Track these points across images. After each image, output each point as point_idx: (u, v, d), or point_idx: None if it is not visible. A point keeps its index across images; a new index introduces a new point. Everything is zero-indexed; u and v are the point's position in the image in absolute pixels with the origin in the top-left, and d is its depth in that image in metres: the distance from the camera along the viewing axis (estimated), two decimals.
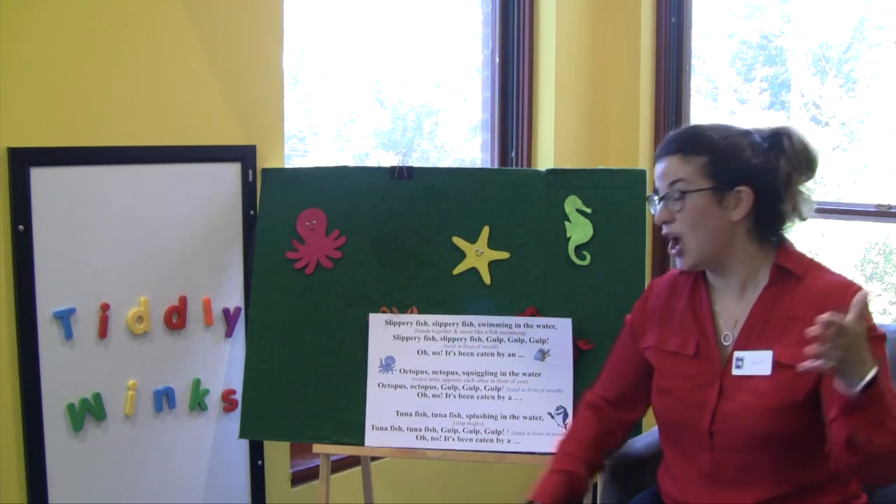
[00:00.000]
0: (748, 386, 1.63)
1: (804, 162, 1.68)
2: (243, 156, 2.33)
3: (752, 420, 1.60)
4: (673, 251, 1.73)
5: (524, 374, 2.17)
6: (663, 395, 1.76)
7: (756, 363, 1.63)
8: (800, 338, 1.49)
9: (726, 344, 1.69)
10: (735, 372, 1.65)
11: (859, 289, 1.57)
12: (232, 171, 2.33)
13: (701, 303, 1.74)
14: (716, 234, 1.66)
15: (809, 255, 1.70)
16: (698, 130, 1.71)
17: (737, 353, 1.66)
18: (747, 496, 1.62)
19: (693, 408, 1.68)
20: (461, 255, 2.25)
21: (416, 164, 2.30)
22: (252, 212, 2.35)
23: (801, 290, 1.63)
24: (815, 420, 1.58)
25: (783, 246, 1.70)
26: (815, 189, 1.73)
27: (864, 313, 1.41)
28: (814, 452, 1.59)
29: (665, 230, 1.72)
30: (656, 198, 1.73)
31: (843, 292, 1.57)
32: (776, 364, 1.60)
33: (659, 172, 1.71)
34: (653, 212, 1.75)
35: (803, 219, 1.71)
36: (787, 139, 1.68)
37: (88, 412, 2.10)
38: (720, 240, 1.67)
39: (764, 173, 1.67)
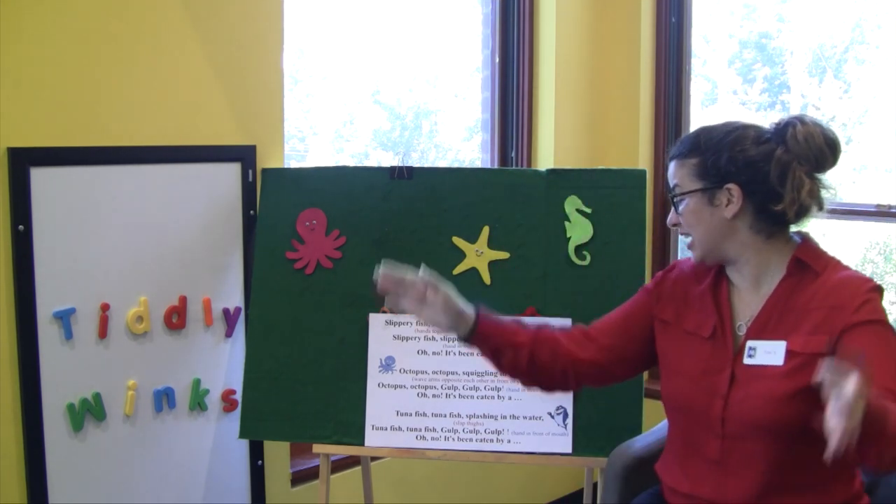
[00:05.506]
0: (760, 374, 1.64)
1: (807, 152, 1.63)
2: (243, 156, 2.34)
3: (763, 408, 1.61)
4: (688, 246, 1.77)
5: None
6: (676, 377, 1.76)
7: (768, 353, 1.64)
8: (813, 327, 1.59)
9: (740, 334, 1.70)
10: (746, 361, 1.66)
11: (875, 285, 1.60)
12: (232, 171, 2.33)
13: (722, 289, 1.75)
14: (714, 231, 1.68)
15: (830, 253, 1.72)
16: (700, 131, 1.73)
17: (749, 342, 1.67)
18: (751, 485, 1.63)
19: (705, 393, 1.69)
20: (461, 255, 2.25)
21: (416, 165, 2.29)
22: (252, 212, 2.35)
23: (817, 284, 1.64)
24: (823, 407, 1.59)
25: (805, 240, 1.71)
26: (833, 185, 1.70)
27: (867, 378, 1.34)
28: (819, 447, 1.59)
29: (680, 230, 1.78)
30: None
31: (857, 286, 1.60)
32: (789, 353, 1.61)
33: (667, 177, 1.78)
34: None
35: (807, 210, 1.67)
36: (793, 128, 1.64)
37: (88, 412, 2.10)
38: (719, 236, 1.69)
39: (758, 165, 1.64)
